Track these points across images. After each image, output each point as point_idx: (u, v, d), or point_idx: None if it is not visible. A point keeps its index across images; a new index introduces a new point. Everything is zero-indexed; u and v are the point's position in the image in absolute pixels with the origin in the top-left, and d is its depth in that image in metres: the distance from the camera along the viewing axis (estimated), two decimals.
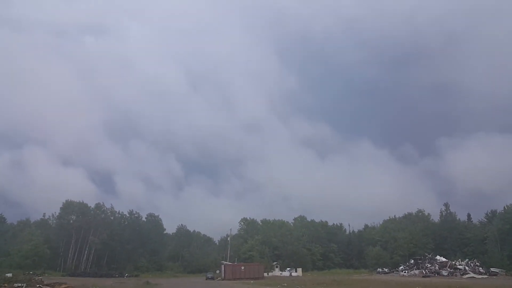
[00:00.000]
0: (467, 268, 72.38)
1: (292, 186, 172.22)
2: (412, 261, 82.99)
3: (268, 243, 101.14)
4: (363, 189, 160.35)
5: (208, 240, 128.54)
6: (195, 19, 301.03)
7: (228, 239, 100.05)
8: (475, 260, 79.09)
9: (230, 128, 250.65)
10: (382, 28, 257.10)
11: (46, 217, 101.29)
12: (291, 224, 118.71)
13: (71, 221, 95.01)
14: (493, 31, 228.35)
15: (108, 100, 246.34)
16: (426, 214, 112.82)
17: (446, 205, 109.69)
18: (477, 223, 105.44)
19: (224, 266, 73.15)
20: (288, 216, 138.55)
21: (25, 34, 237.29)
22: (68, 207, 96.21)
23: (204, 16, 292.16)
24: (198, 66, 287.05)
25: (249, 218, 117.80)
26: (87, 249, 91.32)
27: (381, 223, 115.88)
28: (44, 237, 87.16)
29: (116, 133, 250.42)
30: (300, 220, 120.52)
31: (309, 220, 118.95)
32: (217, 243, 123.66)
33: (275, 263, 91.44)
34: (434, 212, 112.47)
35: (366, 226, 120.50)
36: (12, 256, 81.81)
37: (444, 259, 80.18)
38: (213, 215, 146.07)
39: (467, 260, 78.97)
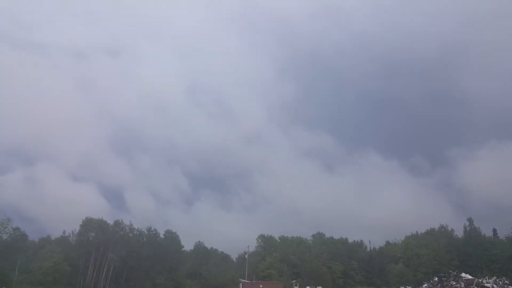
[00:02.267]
0: (495, 286, 69.32)
1: (302, 199, 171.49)
2: (436, 279, 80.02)
3: (287, 261, 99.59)
4: (377, 202, 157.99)
5: (226, 257, 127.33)
6: (197, 34, 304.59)
7: (246, 256, 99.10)
8: (503, 277, 75.86)
9: (232, 140, 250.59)
10: (391, 40, 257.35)
11: (66, 234, 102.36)
12: (310, 241, 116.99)
13: (91, 238, 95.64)
14: (505, 40, 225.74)
15: (111, 115, 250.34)
16: (449, 229, 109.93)
17: (469, 220, 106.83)
18: (504, 238, 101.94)
19: (242, 284, 72.25)
20: (301, 231, 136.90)
21: (45, 56, 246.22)
22: (88, 224, 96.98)
23: (206, 30, 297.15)
24: (198, 79, 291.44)
25: (267, 235, 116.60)
26: (106, 266, 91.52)
27: (402, 239, 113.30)
28: (64, 254, 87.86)
29: (120, 148, 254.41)
30: (319, 237, 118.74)
31: (328, 236, 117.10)
32: (235, 261, 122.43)
33: (294, 281, 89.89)
34: (457, 227, 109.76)
35: (387, 242, 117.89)
36: (33, 273, 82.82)
37: (470, 277, 77.08)
38: (225, 230, 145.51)
39: (495, 278, 75.73)
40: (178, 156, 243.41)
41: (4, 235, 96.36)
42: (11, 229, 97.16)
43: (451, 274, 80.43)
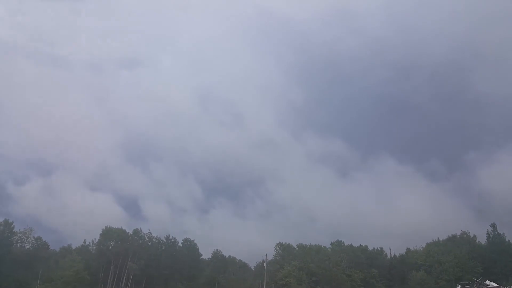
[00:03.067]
0: None
1: (318, 206, 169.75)
2: (459, 286, 78.49)
3: (306, 269, 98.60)
4: (395, 208, 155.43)
5: (244, 265, 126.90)
6: (209, 43, 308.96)
7: (264, 264, 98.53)
8: None
9: (244, 148, 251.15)
10: (404, 45, 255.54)
11: (87, 243, 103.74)
12: (329, 249, 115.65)
13: (110, 247, 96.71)
14: None
15: (125, 124, 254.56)
16: (472, 236, 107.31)
17: (493, 225, 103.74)
18: None
19: None
20: (318, 239, 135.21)
21: (62, 69, 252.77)
22: (108, 233, 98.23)
23: (218, 39, 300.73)
24: (209, 87, 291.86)
25: (285, 243, 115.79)
26: (125, 275, 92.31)
27: (423, 246, 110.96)
28: (85, 263, 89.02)
29: (134, 157, 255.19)
30: (338, 244, 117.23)
31: (347, 244, 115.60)
32: (253, 269, 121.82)
33: None
34: (479, 233, 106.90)
35: (408, 249, 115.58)
36: (55, 282, 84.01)
37: (495, 284, 75.28)
38: (241, 238, 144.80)
39: None
40: (191, 164, 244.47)
41: (26, 244, 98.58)
42: (33, 239, 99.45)
43: (475, 282, 78.62)
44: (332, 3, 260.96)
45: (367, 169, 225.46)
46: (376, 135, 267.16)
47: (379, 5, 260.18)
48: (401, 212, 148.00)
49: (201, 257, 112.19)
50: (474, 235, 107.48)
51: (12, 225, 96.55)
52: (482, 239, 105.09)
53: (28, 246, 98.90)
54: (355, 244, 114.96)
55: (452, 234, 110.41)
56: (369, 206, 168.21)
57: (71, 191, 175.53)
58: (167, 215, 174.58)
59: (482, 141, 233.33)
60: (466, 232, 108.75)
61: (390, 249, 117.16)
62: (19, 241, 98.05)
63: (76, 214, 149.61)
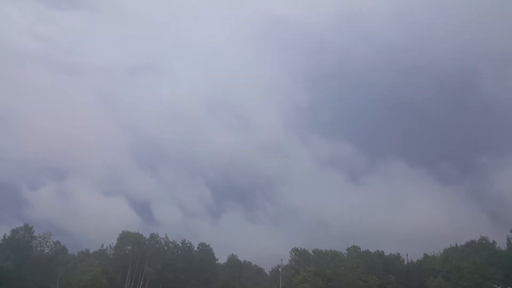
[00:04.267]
0: None
1: (329, 210, 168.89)
2: None
3: (321, 274, 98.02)
4: (409, 212, 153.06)
5: (259, 270, 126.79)
6: (217, 47, 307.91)
7: (280, 270, 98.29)
8: None
9: (252, 151, 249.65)
10: (413, 47, 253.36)
11: (104, 247, 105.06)
12: (345, 254, 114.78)
13: (127, 252, 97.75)
14: None
15: (134, 129, 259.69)
16: (491, 241, 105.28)
17: None
18: None
19: None
20: (332, 244, 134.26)
21: (78, 76, 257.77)
22: (124, 237, 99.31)
23: (225, 43, 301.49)
24: (217, 90, 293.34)
25: (300, 248, 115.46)
26: (142, 279, 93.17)
27: (441, 251, 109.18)
28: (102, 267, 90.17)
29: (144, 161, 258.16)
30: (354, 250, 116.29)
31: (363, 249, 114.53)
32: (268, 274, 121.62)
33: None
34: (498, 239, 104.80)
35: (425, 255, 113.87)
36: (73, 285, 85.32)
37: None
38: (254, 242, 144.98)
39: None
40: (200, 168, 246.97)
41: (46, 248, 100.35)
42: (52, 243, 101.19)
43: None
44: (340, 7, 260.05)
45: (376, 172, 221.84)
46: (383, 137, 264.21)
47: (387, 9, 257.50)
48: (416, 216, 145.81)
49: (216, 262, 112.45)
50: (494, 241, 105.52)
51: (32, 230, 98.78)
52: (501, 244, 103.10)
53: (47, 251, 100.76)
54: (372, 250, 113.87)
55: (470, 240, 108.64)
56: (381, 210, 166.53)
57: (84, 196, 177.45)
58: (179, 218, 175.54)
59: (494, 144, 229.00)
60: (485, 237, 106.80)
61: (407, 255, 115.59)
62: (38, 245, 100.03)
63: (90, 218, 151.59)
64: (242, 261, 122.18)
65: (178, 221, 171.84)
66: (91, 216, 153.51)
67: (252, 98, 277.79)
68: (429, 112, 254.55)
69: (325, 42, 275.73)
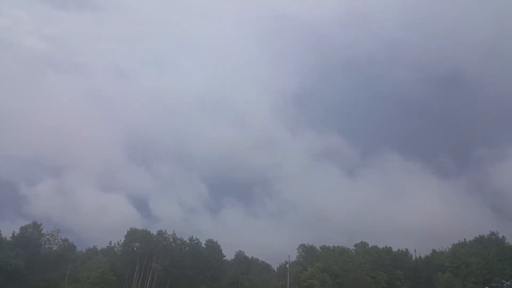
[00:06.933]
0: None
1: (329, 205, 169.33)
2: None
3: (329, 271, 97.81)
4: (409, 207, 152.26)
5: (267, 267, 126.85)
6: (215, 42, 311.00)
7: (287, 266, 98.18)
8: None
9: (246, 146, 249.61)
10: (418, 42, 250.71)
11: (112, 244, 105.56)
12: (352, 250, 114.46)
13: (135, 249, 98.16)
14: None
15: (127, 123, 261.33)
16: (500, 237, 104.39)
17: None
18: None
19: None
20: (334, 239, 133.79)
21: (86, 76, 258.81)
22: (132, 234, 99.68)
23: (223, 38, 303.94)
24: (210, 84, 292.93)
25: (307, 244, 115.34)
26: (150, 275, 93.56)
27: (449, 247, 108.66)
28: (110, 264, 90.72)
29: (138, 157, 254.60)
30: (362, 246, 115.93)
31: (371, 245, 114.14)
32: (276, 270, 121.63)
33: None
34: (508, 234, 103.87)
35: (433, 251, 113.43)
36: (81, 282, 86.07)
37: None
38: (256, 238, 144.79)
39: None
40: (195, 163, 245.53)
41: (54, 245, 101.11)
42: (60, 240, 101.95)
43: (505, 284, 76.61)
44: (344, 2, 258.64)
45: (371, 165, 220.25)
46: (377, 130, 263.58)
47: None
48: (416, 211, 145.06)
49: (224, 258, 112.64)
50: (503, 236, 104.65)
51: (41, 227, 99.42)
52: (511, 240, 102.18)
53: (55, 248, 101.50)
54: (380, 246, 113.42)
55: (479, 235, 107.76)
56: (379, 204, 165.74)
57: (83, 192, 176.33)
58: (178, 214, 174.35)
59: (492, 136, 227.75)
60: (495, 232, 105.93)
61: (415, 251, 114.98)
62: (47, 242, 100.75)
63: (89, 214, 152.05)
64: (249, 258, 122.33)
65: (178, 217, 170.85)
66: (90, 213, 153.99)
67: (248, 93, 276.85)
68: (424, 104, 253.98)
69: (326, 38, 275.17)
